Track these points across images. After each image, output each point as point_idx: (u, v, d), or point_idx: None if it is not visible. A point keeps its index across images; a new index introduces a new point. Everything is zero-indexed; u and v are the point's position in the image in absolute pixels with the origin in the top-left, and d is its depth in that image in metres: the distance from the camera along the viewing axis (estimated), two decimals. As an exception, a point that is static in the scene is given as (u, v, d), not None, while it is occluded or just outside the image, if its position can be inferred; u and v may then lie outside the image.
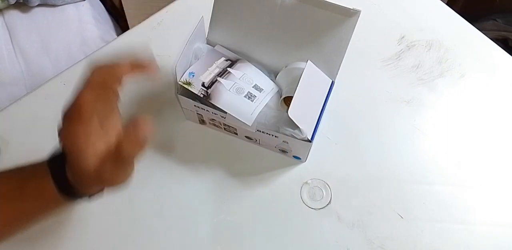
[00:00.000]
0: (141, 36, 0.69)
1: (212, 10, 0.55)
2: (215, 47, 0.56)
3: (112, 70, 0.41)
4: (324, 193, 0.56)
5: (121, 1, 1.07)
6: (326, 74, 0.54)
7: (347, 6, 0.49)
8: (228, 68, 0.53)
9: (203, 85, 0.51)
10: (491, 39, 0.68)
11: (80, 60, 0.67)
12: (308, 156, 0.57)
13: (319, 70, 0.53)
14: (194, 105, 0.54)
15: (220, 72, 0.53)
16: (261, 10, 0.53)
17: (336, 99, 0.61)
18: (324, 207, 0.55)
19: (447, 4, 0.72)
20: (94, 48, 0.86)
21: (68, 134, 0.39)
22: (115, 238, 0.48)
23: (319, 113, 0.52)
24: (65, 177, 0.40)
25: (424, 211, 0.55)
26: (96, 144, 0.38)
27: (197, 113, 0.56)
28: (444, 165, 0.58)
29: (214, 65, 0.53)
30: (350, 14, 0.49)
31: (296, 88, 0.47)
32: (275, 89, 0.54)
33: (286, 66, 0.54)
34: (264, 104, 0.52)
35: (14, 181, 0.42)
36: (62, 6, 0.90)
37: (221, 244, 0.53)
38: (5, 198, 0.42)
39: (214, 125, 0.58)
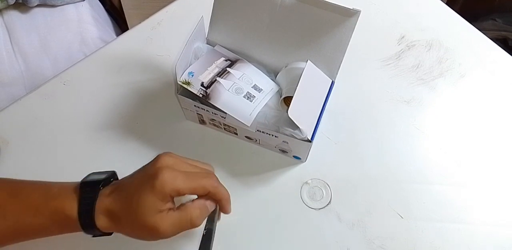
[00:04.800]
0: (141, 36, 0.69)
1: (212, 10, 0.55)
2: (215, 47, 0.56)
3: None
4: (324, 193, 0.56)
5: (121, 1, 1.07)
6: (326, 74, 0.54)
7: (347, 6, 0.49)
8: (228, 68, 0.53)
9: (202, 85, 0.51)
10: (490, 39, 0.68)
11: (80, 61, 0.67)
12: (308, 156, 0.57)
13: (319, 70, 0.53)
14: (194, 105, 0.54)
15: (220, 72, 0.53)
16: (261, 10, 0.53)
17: (336, 99, 0.61)
18: (324, 207, 0.55)
19: (447, 4, 0.72)
20: (94, 49, 0.86)
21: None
22: (115, 238, 0.48)
23: (319, 113, 0.52)
24: (92, 218, 0.41)
25: (424, 211, 0.55)
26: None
27: (197, 113, 0.56)
28: (444, 164, 0.58)
29: (214, 65, 0.53)
30: (350, 14, 0.49)
31: (296, 88, 0.47)
32: (275, 89, 0.54)
33: (286, 66, 0.54)
34: (263, 105, 0.52)
35: (36, 195, 0.43)
36: (62, 6, 0.90)
37: (221, 244, 0.53)
38: (19, 211, 0.42)
39: (214, 125, 0.58)
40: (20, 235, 0.44)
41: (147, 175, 0.41)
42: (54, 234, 0.44)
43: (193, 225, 0.43)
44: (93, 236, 0.44)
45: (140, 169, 0.45)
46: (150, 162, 0.44)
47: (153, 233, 0.41)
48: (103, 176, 0.44)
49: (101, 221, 0.41)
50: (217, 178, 0.46)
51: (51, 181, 0.46)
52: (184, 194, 0.42)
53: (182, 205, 0.43)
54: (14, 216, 0.42)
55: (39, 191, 0.43)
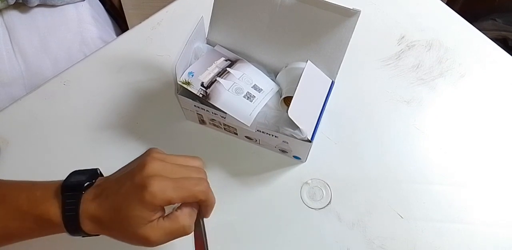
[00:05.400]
0: (141, 36, 0.69)
1: (212, 10, 0.55)
2: (215, 47, 0.56)
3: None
4: (324, 193, 0.56)
5: (121, 1, 1.07)
6: (326, 74, 0.54)
7: (347, 6, 0.49)
8: (228, 68, 0.53)
9: (202, 85, 0.51)
10: (490, 39, 0.68)
11: (80, 61, 0.67)
12: (308, 156, 0.57)
13: (319, 70, 0.53)
14: (194, 105, 0.54)
15: (220, 72, 0.53)
16: (261, 10, 0.53)
17: (336, 99, 0.61)
18: (324, 207, 0.55)
19: (447, 4, 0.72)
20: (94, 49, 0.86)
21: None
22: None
23: (319, 113, 0.52)
24: (78, 224, 0.40)
25: (424, 211, 0.55)
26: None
27: (197, 113, 0.56)
28: (444, 164, 0.58)
29: (214, 65, 0.53)
30: (350, 14, 0.49)
31: (296, 88, 0.47)
32: (275, 89, 0.54)
33: (286, 66, 0.54)
34: (263, 105, 0.52)
35: (20, 200, 0.42)
36: (62, 6, 0.90)
37: (221, 244, 0.53)
38: (7, 217, 0.42)
39: (214, 125, 0.58)
40: (10, 238, 0.44)
41: (135, 184, 0.39)
42: (44, 235, 0.44)
43: (186, 232, 0.42)
44: (82, 237, 0.43)
45: (125, 169, 0.44)
46: (136, 165, 0.42)
47: (145, 243, 0.40)
48: (84, 177, 0.43)
49: (87, 226, 0.41)
50: (207, 181, 0.44)
51: (35, 181, 0.45)
52: (174, 203, 0.41)
53: (171, 212, 0.42)
54: (2, 221, 0.42)
55: (24, 194, 0.42)
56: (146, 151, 0.45)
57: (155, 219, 0.40)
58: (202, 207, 0.44)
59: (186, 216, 0.42)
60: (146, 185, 0.38)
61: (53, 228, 0.42)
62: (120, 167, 0.48)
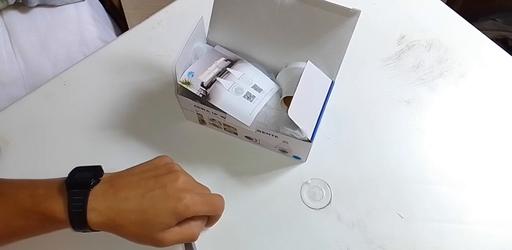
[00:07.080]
0: (141, 36, 0.69)
1: (212, 10, 0.55)
2: (215, 47, 0.56)
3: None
4: (324, 193, 0.56)
5: (121, 1, 1.07)
6: (326, 74, 0.54)
7: (347, 6, 0.49)
8: (228, 68, 0.53)
9: (202, 85, 0.51)
10: (490, 39, 0.68)
11: (80, 61, 0.67)
12: (308, 156, 0.57)
13: (319, 70, 0.53)
14: (194, 105, 0.54)
15: (220, 72, 0.53)
16: (261, 10, 0.53)
17: (336, 99, 0.61)
18: (324, 207, 0.55)
19: (447, 4, 0.72)
20: (93, 49, 0.86)
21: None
22: (112, 239, 0.48)
23: (319, 113, 0.52)
24: (85, 220, 0.41)
25: (424, 211, 0.55)
26: None
27: (197, 113, 0.56)
28: (444, 164, 0.58)
29: (214, 65, 0.53)
30: (350, 14, 0.49)
31: (296, 88, 0.47)
32: (275, 89, 0.54)
33: (286, 66, 0.54)
34: (263, 105, 0.52)
35: (23, 198, 0.42)
36: (61, 6, 0.90)
37: (221, 244, 0.53)
38: (9, 215, 0.42)
39: (214, 125, 0.58)
40: (13, 237, 0.44)
41: (167, 194, 0.42)
42: (46, 233, 0.44)
43: (193, 240, 0.45)
44: (83, 232, 0.43)
45: (139, 172, 0.45)
46: (165, 174, 0.44)
47: (157, 244, 0.43)
48: (90, 174, 0.43)
49: (95, 223, 0.41)
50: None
51: (36, 179, 0.45)
52: (198, 215, 0.45)
53: (184, 220, 0.44)
54: (5, 220, 0.41)
55: (26, 192, 0.42)
56: (161, 158, 0.48)
57: (173, 226, 0.43)
58: (210, 218, 0.48)
59: (199, 226, 0.45)
60: (181, 198, 0.42)
61: (56, 225, 0.42)
62: (121, 166, 0.48)
